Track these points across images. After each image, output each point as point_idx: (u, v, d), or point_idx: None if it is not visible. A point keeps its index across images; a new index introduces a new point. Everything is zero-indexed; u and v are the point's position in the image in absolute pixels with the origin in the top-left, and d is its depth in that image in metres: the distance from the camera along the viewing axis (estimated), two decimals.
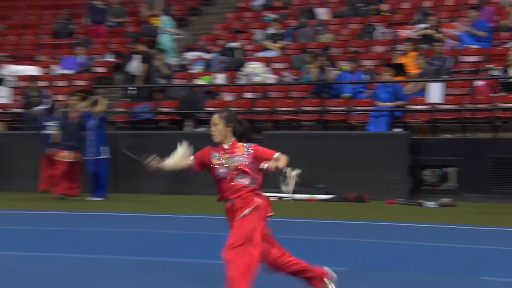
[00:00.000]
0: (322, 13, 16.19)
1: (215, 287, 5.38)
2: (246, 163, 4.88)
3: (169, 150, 5.16)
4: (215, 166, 4.92)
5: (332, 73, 13.40)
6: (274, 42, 15.20)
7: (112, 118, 13.52)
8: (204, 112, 13.62)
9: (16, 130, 14.36)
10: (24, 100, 14.18)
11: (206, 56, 15.40)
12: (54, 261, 6.82)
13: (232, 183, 4.87)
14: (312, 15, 16.02)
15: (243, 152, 4.91)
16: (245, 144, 4.96)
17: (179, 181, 12.01)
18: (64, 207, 10.86)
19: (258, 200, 4.86)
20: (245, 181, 4.87)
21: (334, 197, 11.41)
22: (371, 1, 16.06)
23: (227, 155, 4.91)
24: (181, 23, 17.05)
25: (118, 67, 15.58)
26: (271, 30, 15.52)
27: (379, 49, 14.67)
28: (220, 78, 14.41)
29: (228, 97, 14.09)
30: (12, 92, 14.95)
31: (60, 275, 6.24)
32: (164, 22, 16.13)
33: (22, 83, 15.06)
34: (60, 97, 13.91)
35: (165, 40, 15.84)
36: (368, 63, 14.13)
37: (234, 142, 4.96)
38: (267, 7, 17.08)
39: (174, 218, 9.95)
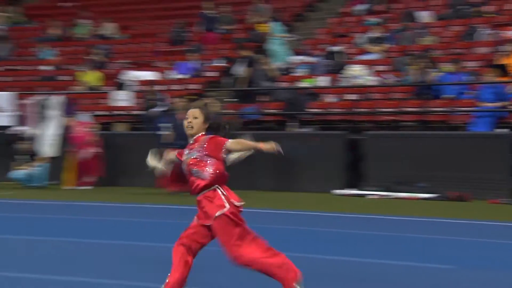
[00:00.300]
0: (425, 16, 15.63)
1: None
2: (199, 156, 4.55)
3: None
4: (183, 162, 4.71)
5: (433, 75, 12.89)
6: (376, 45, 14.82)
7: None
8: (307, 113, 13.49)
9: (137, 130, 14.80)
10: (143, 103, 14.64)
11: (310, 59, 15.26)
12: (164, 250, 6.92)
13: (192, 178, 4.60)
14: (413, 18, 15.50)
15: (199, 145, 4.59)
16: (204, 137, 4.62)
17: (286, 179, 12.00)
18: (176, 202, 11.05)
19: (219, 205, 4.54)
20: (202, 175, 4.55)
21: (435, 196, 10.94)
22: (474, 3, 15.32)
23: (188, 151, 4.66)
24: (286, 28, 17.01)
25: (227, 72, 15.76)
26: (373, 34, 15.15)
27: (482, 50, 13.96)
28: (323, 81, 14.23)
29: (330, 98, 13.87)
30: (133, 96, 15.46)
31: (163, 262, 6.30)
32: (273, 28, 16.13)
33: (141, 87, 15.55)
34: (175, 100, 14.22)
35: (275, 44, 15.83)
36: (471, 64, 13.49)
37: (199, 136, 4.64)
38: (369, 11, 16.70)
39: (282, 214, 9.92)
